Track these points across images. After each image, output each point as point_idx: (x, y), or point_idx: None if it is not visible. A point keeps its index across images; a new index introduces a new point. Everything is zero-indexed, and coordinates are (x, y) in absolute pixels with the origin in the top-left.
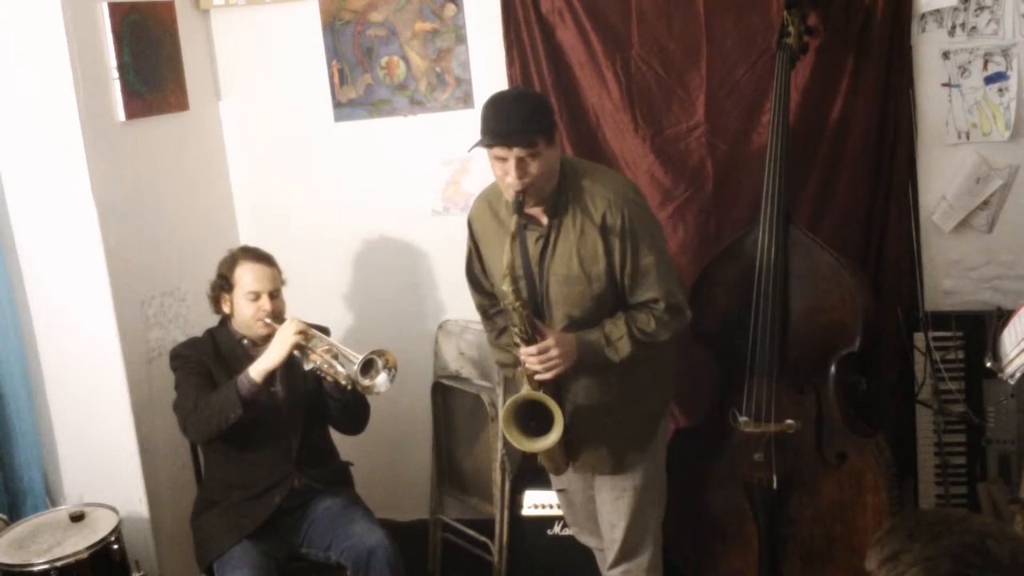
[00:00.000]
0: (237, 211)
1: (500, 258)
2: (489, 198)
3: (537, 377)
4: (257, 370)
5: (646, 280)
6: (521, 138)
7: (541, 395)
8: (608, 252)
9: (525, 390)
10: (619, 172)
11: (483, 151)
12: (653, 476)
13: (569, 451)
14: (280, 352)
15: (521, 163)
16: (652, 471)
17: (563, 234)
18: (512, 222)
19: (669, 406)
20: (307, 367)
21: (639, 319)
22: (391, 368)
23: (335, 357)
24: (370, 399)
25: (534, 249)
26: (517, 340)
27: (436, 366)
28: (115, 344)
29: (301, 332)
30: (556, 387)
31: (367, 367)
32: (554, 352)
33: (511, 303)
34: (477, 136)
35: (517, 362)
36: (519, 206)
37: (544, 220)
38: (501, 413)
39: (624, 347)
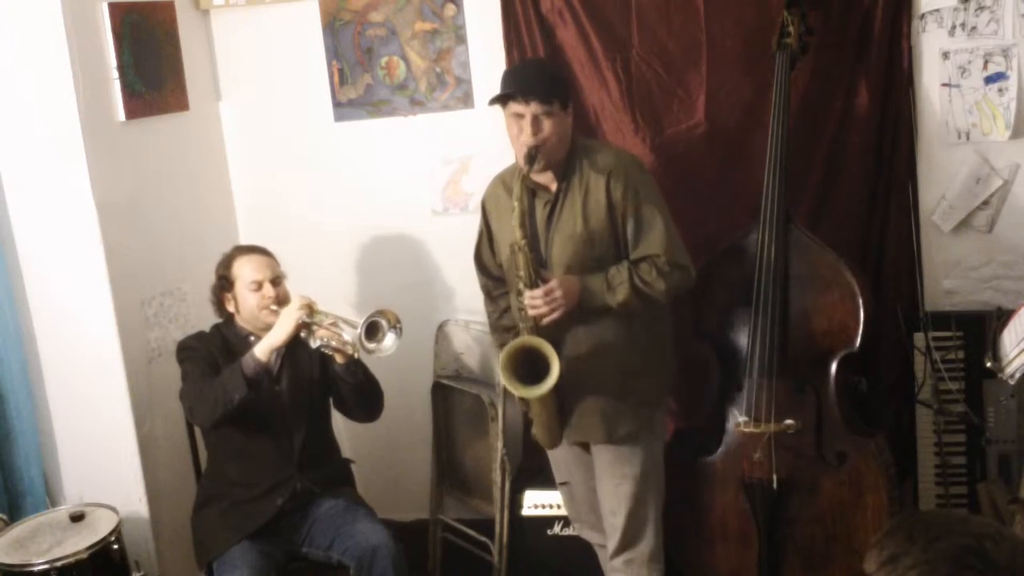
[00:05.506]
0: (237, 211)
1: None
2: (504, 177)
3: (543, 319)
4: (262, 348)
5: (649, 234)
6: (539, 93)
7: (538, 340)
8: (611, 205)
9: (523, 337)
10: None
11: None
12: (651, 466)
13: (563, 414)
14: (285, 329)
15: (536, 121)
16: (649, 461)
17: (570, 196)
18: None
19: (665, 397)
20: (314, 345)
21: (641, 268)
22: (396, 326)
23: (341, 330)
24: None
25: (542, 214)
26: (520, 287)
27: (436, 366)
28: (115, 344)
29: (305, 306)
30: (554, 343)
31: (372, 331)
32: (557, 293)
33: (517, 242)
34: (477, 136)
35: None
36: (530, 160)
37: (553, 187)
38: (500, 358)
39: (622, 292)
